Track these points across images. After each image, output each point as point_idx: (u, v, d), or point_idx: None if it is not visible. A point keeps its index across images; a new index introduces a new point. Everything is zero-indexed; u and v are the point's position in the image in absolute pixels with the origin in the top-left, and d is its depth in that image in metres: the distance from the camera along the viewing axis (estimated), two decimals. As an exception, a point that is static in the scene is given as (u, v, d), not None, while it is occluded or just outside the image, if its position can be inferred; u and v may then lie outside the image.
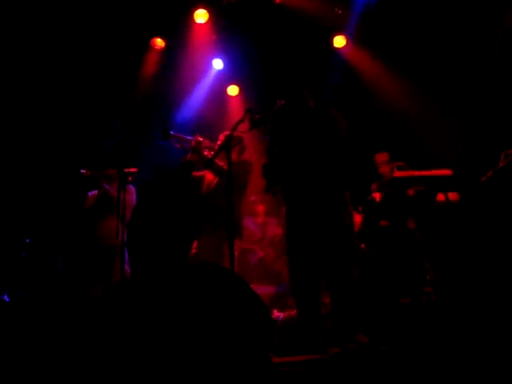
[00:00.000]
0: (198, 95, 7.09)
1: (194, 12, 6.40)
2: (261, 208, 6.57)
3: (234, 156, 4.38)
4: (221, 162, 4.58)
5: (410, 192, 4.89)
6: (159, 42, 6.69)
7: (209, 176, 4.85)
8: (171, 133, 4.62)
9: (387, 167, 5.51)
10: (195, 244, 4.71)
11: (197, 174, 4.86)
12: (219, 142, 4.78)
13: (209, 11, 6.40)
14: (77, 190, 5.29)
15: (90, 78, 6.42)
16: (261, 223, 6.50)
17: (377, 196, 5.22)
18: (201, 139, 4.66)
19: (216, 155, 4.34)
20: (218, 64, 6.96)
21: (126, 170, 4.73)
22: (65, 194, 5.40)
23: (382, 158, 5.62)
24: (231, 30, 6.61)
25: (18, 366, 2.64)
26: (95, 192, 5.24)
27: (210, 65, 6.99)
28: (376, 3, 6.20)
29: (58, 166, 6.02)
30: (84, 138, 6.33)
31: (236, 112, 7.05)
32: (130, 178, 4.83)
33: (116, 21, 6.16)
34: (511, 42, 5.70)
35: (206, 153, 4.65)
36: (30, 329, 2.89)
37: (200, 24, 6.50)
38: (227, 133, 4.81)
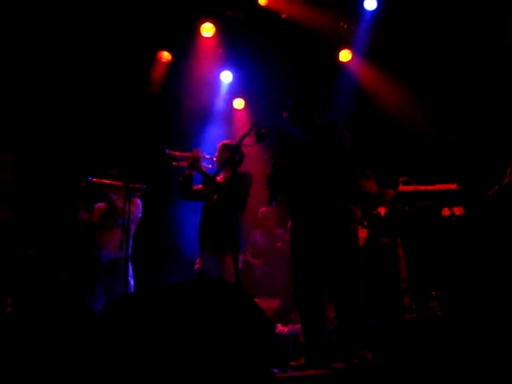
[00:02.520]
0: (204, 108, 7.12)
1: (200, 26, 6.45)
2: (271, 220, 6.54)
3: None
4: (219, 178, 4.59)
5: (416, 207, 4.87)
6: (166, 56, 6.73)
7: (208, 189, 4.85)
8: (166, 151, 4.62)
9: (371, 183, 5.49)
10: (198, 259, 4.71)
11: (197, 188, 4.85)
12: (218, 153, 4.80)
13: (215, 25, 6.45)
14: (84, 199, 5.28)
15: (98, 89, 6.45)
16: (269, 235, 6.48)
17: (382, 211, 5.21)
18: (198, 153, 4.66)
19: (218, 173, 4.36)
20: (226, 77, 6.99)
21: (134, 186, 4.73)
22: (71, 202, 5.39)
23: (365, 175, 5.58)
24: (237, 44, 6.65)
25: (17, 378, 2.63)
26: (102, 204, 5.24)
27: (216, 78, 7.02)
28: (382, 16, 6.23)
29: (66, 174, 6.04)
30: (93, 148, 6.35)
31: (242, 125, 7.06)
32: (137, 194, 4.85)
33: (123, 33, 6.21)
34: None
35: (204, 167, 4.66)
36: (31, 341, 2.88)
37: (206, 38, 6.55)
38: (226, 142, 4.83)
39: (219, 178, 4.64)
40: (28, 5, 5.70)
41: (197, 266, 4.66)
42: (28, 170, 6.17)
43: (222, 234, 4.43)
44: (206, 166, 4.73)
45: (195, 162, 4.61)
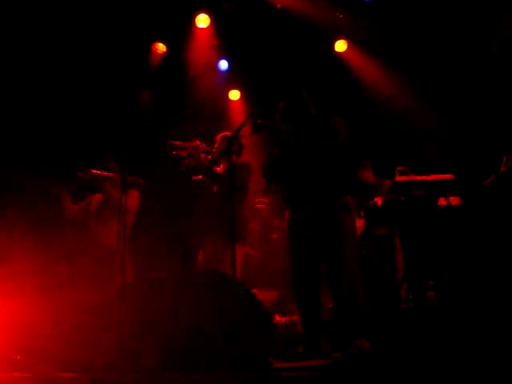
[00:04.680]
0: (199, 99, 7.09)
1: (195, 17, 6.42)
2: (266, 210, 6.54)
3: (233, 157, 4.38)
4: (218, 168, 4.58)
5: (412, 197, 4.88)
6: (161, 47, 6.71)
7: (208, 181, 4.85)
8: (166, 140, 4.63)
9: (369, 173, 5.49)
10: (199, 250, 4.71)
11: (196, 178, 4.85)
12: (217, 145, 4.79)
13: (210, 16, 6.42)
14: (81, 190, 5.27)
15: (94, 83, 6.43)
16: (266, 226, 6.48)
17: (379, 201, 5.21)
18: (198, 143, 4.66)
19: (215, 162, 4.35)
20: (223, 65, 6.99)
21: (132, 179, 4.74)
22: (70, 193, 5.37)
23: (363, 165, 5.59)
24: (233, 35, 6.63)
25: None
26: (99, 195, 5.24)
27: (211, 69, 7.00)
28: (378, 7, 6.22)
29: (64, 165, 6.01)
30: (91, 140, 6.33)
31: (237, 116, 7.06)
32: (135, 187, 4.86)
33: (118, 25, 6.18)
34: (510, 45, 5.70)
35: (203, 157, 4.65)
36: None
37: (201, 28, 6.52)
38: (225, 134, 4.81)
39: (219, 169, 4.64)
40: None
41: (198, 257, 4.67)
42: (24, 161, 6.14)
43: (222, 225, 4.44)
44: (206, 156, 4.72)
45: (194, 152, 4.61)
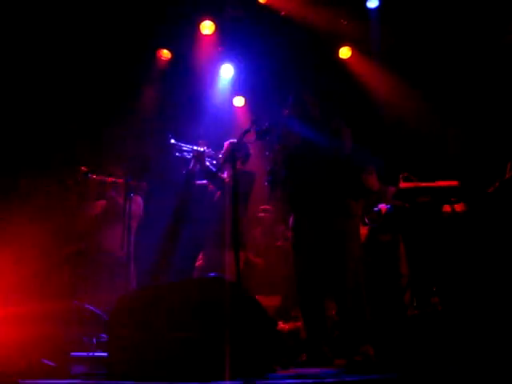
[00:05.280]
0: (204, 105, 7.10)
1: (200, 23, 6.45)
2: (270, 218, 6.53)
3: (238, 164, 4.39)
4: (223, 174, 4.58)
5: (416, 203, 4.87)
6: (165, 54, 6.74)
7: (212, 185, 4.85)
8: (171, 142, 4.61)
9: (374, 180, 5.48)
10: (200, 255, 4.71)
11: (200, 183, 4.85)
12: (223, 151, 4.78)
13: (215, 23, 6.45)
14: (84, 196, 5.29)
15: (98, 88, 6.44)
16: (270, 233, 6.46)
17: (383, 208, 5.20)
18: (203, 148, 4.64)
19: (219, 169, 4.35)
20: (227, 71, 6.99)
21: (135, 183, 4.74)
22: (73, 198, 5.39)
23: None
24: (237, 42, 6.65)
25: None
26: (103, 201, 5.25)
27: (215, 76, 7.01)
28: (383, 13, 6.24)
29: (66, 170, 6.02)
30: (93, 145, 6.34)
31: (242, 123, 7.06)
32: (138, 192, 4.86)
33: (123, 32, 6.21)
34: None
35: (207, 162, 4.64)
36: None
37: (206, 35, 6.55)
38: (232, 141, 4.81)
39: (224, 176, 4.64)
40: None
41: (199, 263, 4.67)
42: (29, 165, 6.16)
43: (224, 232, 4.44)
44: (211, 162, 4.71)
45: (200, 156, 4.59)
